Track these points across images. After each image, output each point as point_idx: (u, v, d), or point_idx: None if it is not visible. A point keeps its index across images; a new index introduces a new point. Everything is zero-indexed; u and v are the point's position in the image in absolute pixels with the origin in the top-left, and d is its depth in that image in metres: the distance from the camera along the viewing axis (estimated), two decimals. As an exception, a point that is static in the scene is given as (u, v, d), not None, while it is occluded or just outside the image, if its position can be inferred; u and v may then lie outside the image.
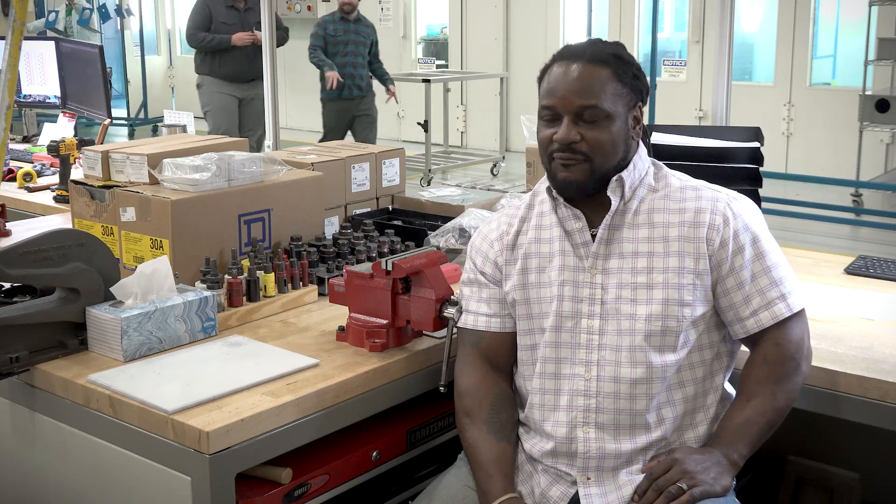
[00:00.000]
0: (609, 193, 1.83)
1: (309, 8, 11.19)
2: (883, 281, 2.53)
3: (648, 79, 1.95)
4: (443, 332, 2.03)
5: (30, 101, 5.00)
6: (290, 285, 2.35)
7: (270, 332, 2.18)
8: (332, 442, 1.96)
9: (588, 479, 1.82)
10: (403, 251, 2.45)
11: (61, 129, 4.49)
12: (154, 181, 2.45)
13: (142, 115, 12.46)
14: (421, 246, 2.53)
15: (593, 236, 1.86)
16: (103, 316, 1.99)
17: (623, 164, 1.84)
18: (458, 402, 1.93)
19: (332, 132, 7.60)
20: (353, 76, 7.53)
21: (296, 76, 11.06)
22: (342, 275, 2.18)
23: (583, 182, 1.82)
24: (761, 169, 2.58)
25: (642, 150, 1.90)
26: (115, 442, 1.84)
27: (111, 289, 2.04)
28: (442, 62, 11.11)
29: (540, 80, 1.87)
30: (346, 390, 1.92)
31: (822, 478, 2.52)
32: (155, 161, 2.45)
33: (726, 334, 1.88)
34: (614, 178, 1.83)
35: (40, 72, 4.87)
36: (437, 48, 11.47)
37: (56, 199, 3.55)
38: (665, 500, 1.66)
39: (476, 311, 1.96)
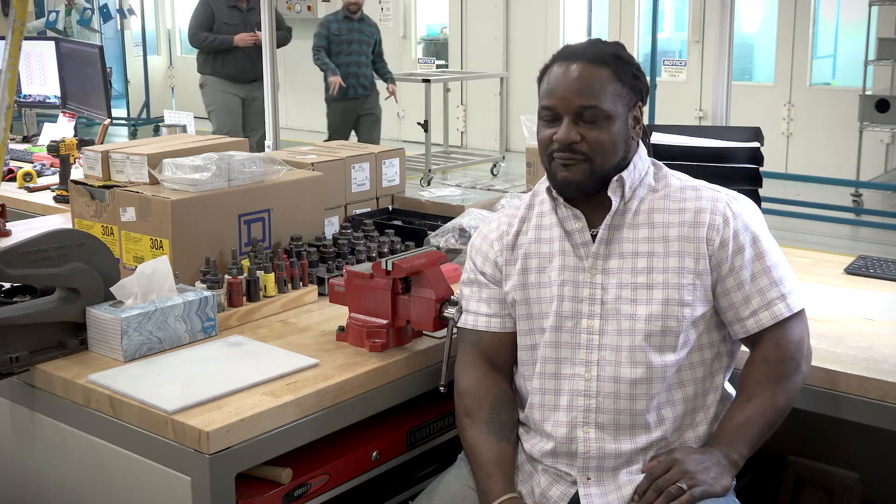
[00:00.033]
0: (609, 193, 1.83)
1: (309, 8, 11.19)
2: (883, 281, 2.53)
3: (648, 79, 1.95)
4: (443, 332, 2.03)
5: (30, 101, 5.00)
6: (290, 285, 2.35)
7: (270, 332, 2.18)
8: (332, 442, 1.96)
9: (588, 479, 1.82)
10: (403, 251, 2.45)
11: (61, 129, 4.49)
12: (154, 181, 2.45)
13: (144, 116, 12.46)
14: (421, 246, 2.53)
15: (593, 236, 1.86)
16: (103, 316, 1.99)
17: (623, 164, 1.84)
18: (458, 402, 1.93)
19: (337, 132, 7.59)
20: (357, 75, 7.53)
21: (296, 76, 11.07)
22: (342, 275, 2.18)
23: (583, 182, 1.82)
24: (761, 169, 2.58)
25: (642, 150, 1.90)
26: (115, 442, 1.84)
27: (111, 289, 2.04)
28: (442, 62, 11.11)
29: (540, 80, 1.87)
30: (346, 390, 1.92)
31: (822, 478, 2.52)
32: (155, 161, 2.45)
33: (726, 334, 1.88)
34: (614, 178, 1.83)
35: (40, 72, 4.87)
36: (437, 48, 11.47)
37: (56, 199, 3.55)
38: (665, 500, 1.66)
39: (476, 311, 1.96)
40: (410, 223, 2.90)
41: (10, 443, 2.08)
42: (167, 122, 4.05)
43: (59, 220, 3.21)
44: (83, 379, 1.90)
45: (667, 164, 1.94)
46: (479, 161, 9.61)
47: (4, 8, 11.83)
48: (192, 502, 1.72)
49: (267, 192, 2.51)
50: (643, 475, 1.75)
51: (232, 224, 2.43)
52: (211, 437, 1.69)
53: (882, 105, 7.44)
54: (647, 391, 1.80)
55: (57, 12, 11.07)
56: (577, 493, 1.82)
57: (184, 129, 3.89)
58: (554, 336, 1.86)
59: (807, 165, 8.74)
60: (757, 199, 2.46)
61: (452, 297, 2.02)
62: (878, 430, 1.94)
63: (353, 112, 7.61)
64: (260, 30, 4.14)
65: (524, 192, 2.45)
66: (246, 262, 2.33)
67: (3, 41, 2.94)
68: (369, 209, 3.02)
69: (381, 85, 7.84)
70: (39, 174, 3.93)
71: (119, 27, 12.73)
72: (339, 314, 2.24)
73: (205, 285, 2.22)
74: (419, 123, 8.73)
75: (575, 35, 9.93)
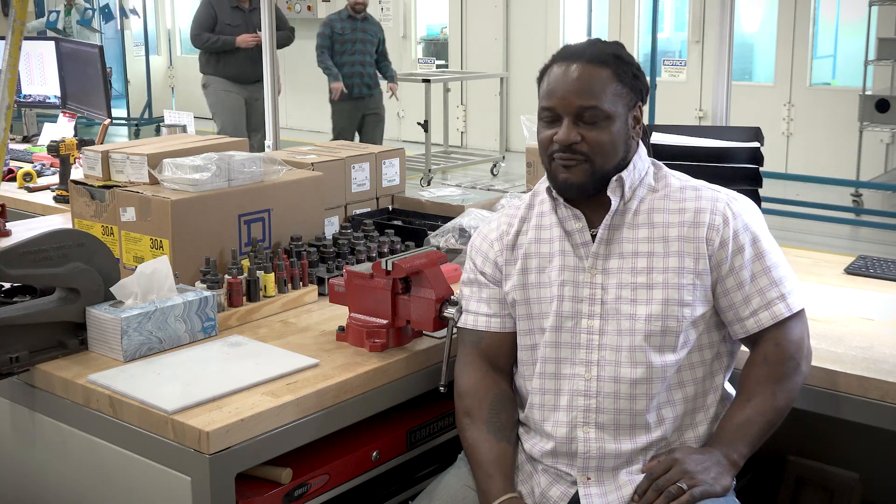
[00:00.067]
0: (609, 193, 1.83)
1: (309, 8, 11.20)
2: (883, 281, 2.53)
3: (648, 79, 1.95)
4: (443, 332, 2.03)
5: (30, 101, 5.00)
6: (290, 285, 2.35)
7: (270, 332, 2.18)
8: (332, 442, 1.96)
9: (588, 479, 1.82)
10: (403, 251, 2.45)
11: (61, 129, 4.49)
12: (154, 181, 2.45)
13: (146, 115, 12.46)
14: (421, 246, 2.53)
15: (593, 236, 1.86)
16: (103, 316, 1.99)
17: (623, 164, 1.84)
18: (458, 402, 1.93)
19: (342, 133, 7.57)
20: (361, 75, 7.52)
21: (296, 76, 11.07)
22: (342, 275, 2.18)
23: (583, 183, 1.82)
24: (761, 169, 2.58)
25: (642, 150, 1.90)
26: (115, 442, 1.84)
27: (111, 289, 2.04)
28: (442, 62, 11.11)
29: (539, 80, 1.87)
30: (346, 390, 1.92)
31: (822, 478, 2.52)
32: (155, 161, 2.45)
33: (726, 334, 1.88)
34: (614, 178, 1.83)
35: (40, 72, 4.87)
36: (437, 48, 11.47)
37: (56, 199, 3.55)
38: (665, 499, 1.66)
39: (476, 311, 1.96)
40: (410, 223, 2.90)
41: (10, 443, 2.08)
42: (167, 122, 4.05)
43: (59, 220, 3.21)
44: (83, 379, 1.90)
45: (667, 164, 1.94)
46: (479, 161, 9.61)
47: (4, 8, 11.83)
48: (192, 502, 1.72)
49: (267, 192, 2.51)
50: (643, 475, 1.75)
51: (232, 224, 2.43)
52: (211, 437, 1.69)
53: (882, 105, 7.45)
54: (647, 391, 1.80)
55: (57, 12, 11.08)
56: (577, 493, 1.82)
57: (184, 129, 3.90)
58: (554, 336, 1.86)
59: (807, 165, 8.74)
60: (757, 199, 2.46)
61: (452, 297, 2.02)
62: (878, 430, 1.94)
63: (357, 112, 7.60)
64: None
65: (524, 192, 2.45)
66: (246, 262, 2.33)
67: (3, 41, 2.94)
68: (369, 209, 3.02)
69: (384, 85, 7.83)
70: (39, 174, 3.93)
71: (119, 27, 12.73)
72: (339, 314, 2.24)
73: (205, 285, 2.22)
74: (419, 123, 8.73)
75: (575, 35, 9.93)
